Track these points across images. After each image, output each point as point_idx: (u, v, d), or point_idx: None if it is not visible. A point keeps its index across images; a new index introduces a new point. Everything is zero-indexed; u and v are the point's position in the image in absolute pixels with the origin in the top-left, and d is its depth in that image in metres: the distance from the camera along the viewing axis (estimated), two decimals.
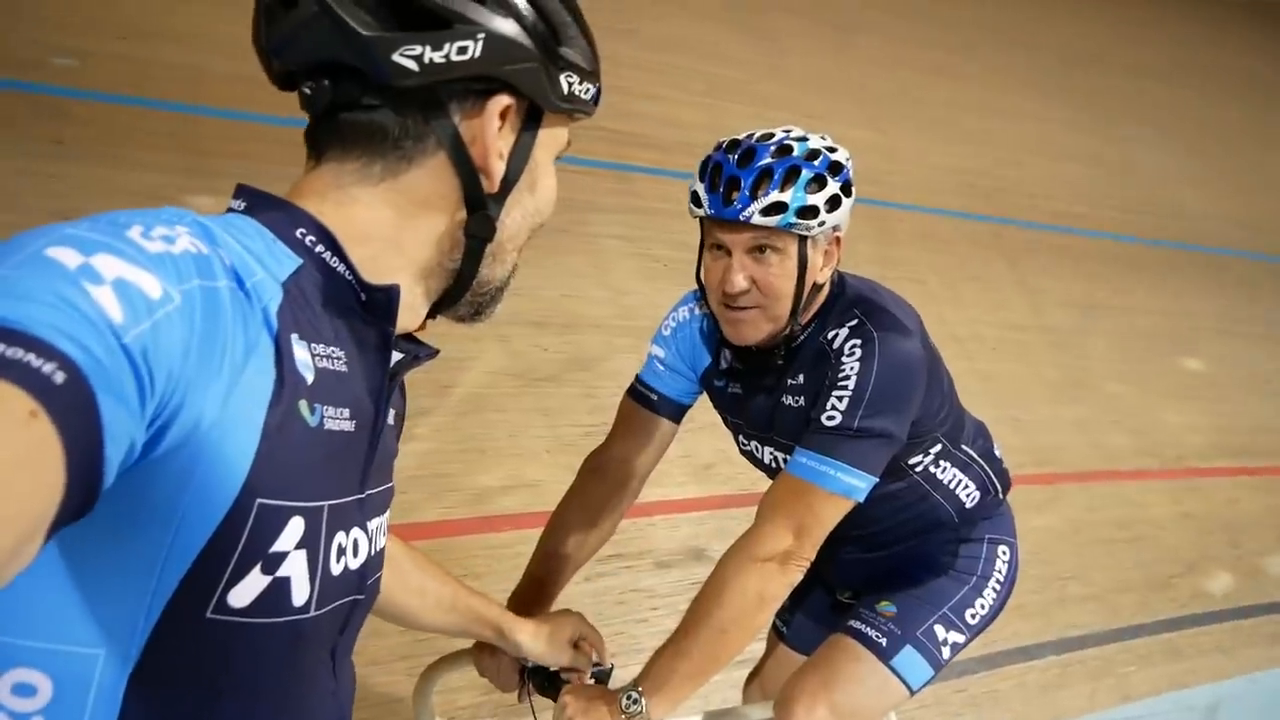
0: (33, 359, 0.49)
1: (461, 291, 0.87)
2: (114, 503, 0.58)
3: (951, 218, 5.69)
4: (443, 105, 0.79)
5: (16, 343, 0.49)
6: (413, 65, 0.75)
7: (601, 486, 1.84)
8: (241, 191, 0.80)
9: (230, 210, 0.79)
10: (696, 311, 1.82)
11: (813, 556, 1.52)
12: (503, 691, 1.67)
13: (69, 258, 0.56)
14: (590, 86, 0.88)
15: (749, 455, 1.88)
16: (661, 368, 1.84)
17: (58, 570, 0.62)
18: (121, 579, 0.64)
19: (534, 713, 1.59)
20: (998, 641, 3.79)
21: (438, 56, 0.75)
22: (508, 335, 3.67)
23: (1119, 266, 6.29)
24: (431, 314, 0.90)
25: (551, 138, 0.88)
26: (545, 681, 1.60)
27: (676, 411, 1.86)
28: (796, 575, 1.50)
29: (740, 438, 1.88)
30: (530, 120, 0.85)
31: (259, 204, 0.79)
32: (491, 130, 0.81)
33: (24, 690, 0.64)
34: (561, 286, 3.97)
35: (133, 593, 0.65)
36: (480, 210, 0.83)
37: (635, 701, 1.45)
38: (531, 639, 1.50)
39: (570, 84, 0.84)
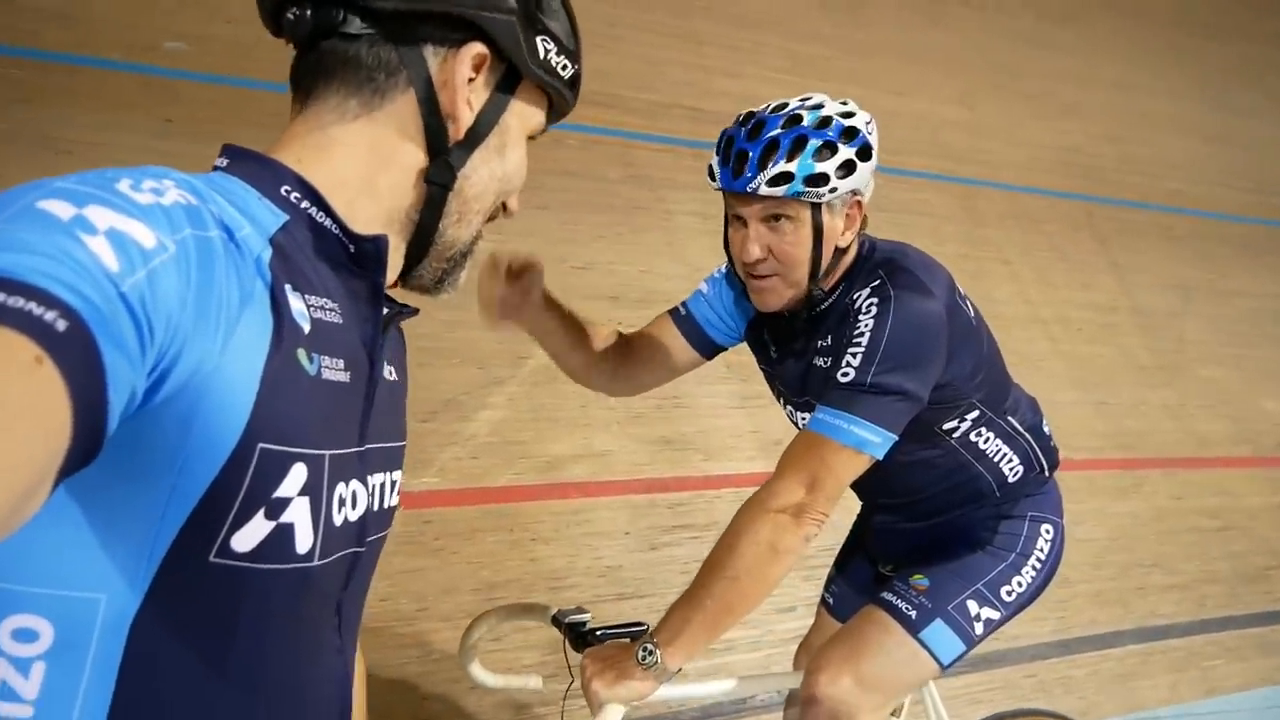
0: (34, 307, 0.49)
1: (424, 246, 0.88)
2: (115, 449, 0.58)
3: (1043, 196, 5.52)
4: (418, 43, 0.81)
5: (16, 292, 0.49)
6: None
7: (612, 342, 1.91)
8: (226, 150, 0.81)
9: (215, 169, 0.79)
10: None
11: (829, 511, 1.53)
12: None
13: (61, 210, 0.56)
14: (568, 64, 0.88)
15: (789, 417, 1.92)
16: (702, 299, 1.91)
17: (58, 516, 0.62)
18: (123, 524, 0.64)
19: (569, 667, 1.67)
20: (1074, 628, 3.73)
21: None
22: (583, 309, 3.75)
23: (1222, 247, 6.00)
24: (400, 278, 0.91)
25: (526, 109, 0.88)
26: (579, 638, 1.66)
27: (697, 337, 1.91)
28: (812, 529, 1.51)
29: (781, 402, 1.93)
30: (506, 84, 0.86)
31: (243, 162, 0.79)
32: (462, 76, 0.82)
33: (25, 635, 0.63)
34: (638, 262, 4.03)
35: (135, 537, 0.65)
36: (442, 157, 0.84)
37: (650, 653, 1.48)
38: None
39: (547, 51, 0.85)
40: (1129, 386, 4.88)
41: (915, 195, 5.02)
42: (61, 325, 0.50)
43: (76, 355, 0.50)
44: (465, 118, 0.83)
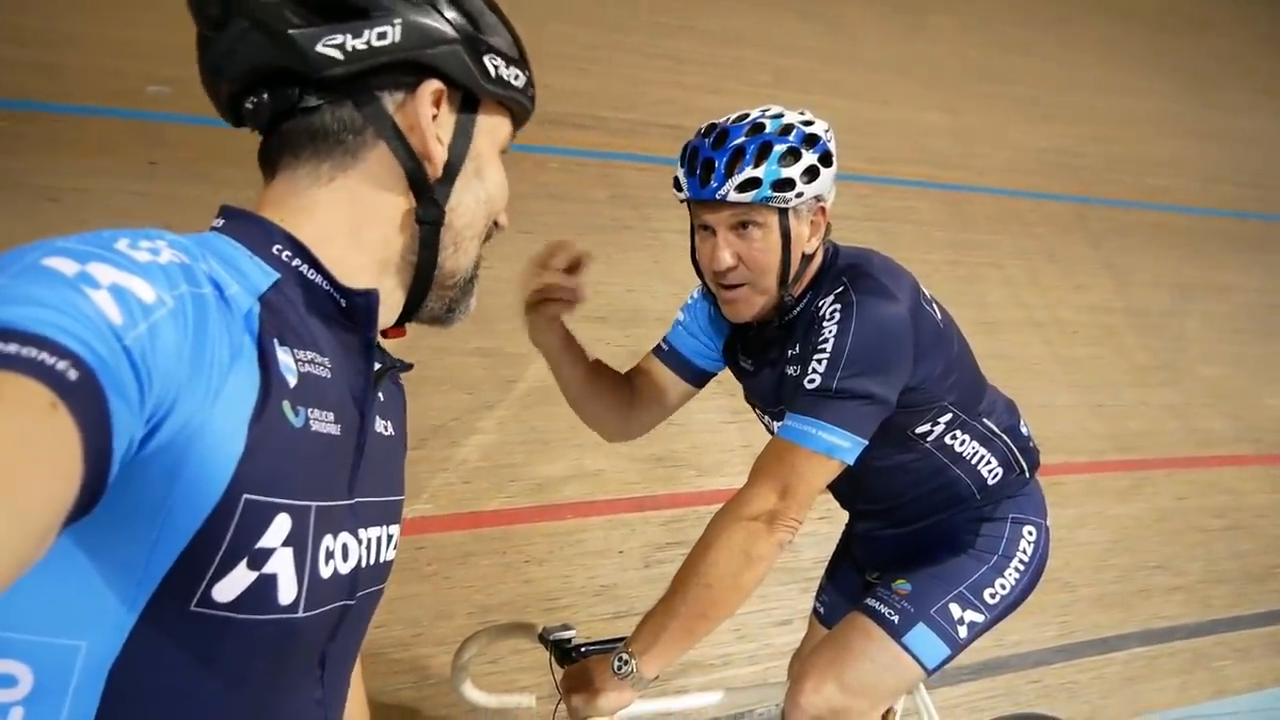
0: (46, 357, 0.51)
1: (426, 284, 0.90)
2: (104, 499, 0.59)
3: (1032, 199, 5.51)
4: (375, 96, 0.83)
5: (29, 343, 0.51)
6: (337, 54, 0.79)
7: (616, 382, 1.92)
8: (223, 211, 0.83)
9: (212, 229, 0.82)
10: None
11: (801, 518, 1.53)
12: None
13: (65, 266, 0.58)
14: (519, 73, 0.91)
15: (767, 429, 1.92)
16: (681, 328, 1.93)
17: (44, 563, 0.60)
18: (107, 573, 0.65)
19: (555, 681, 1.68)
20: (1076, 632, 3.70)
21: (359, 43, 0.80)
22: (572, 330, 3.77)
23: (1217, 243, 5.97)
24: (406, 317, 0.93)
25: (491, 127, 0.91)
26: (564, 654, 1.69)
27: (686, 368, 1.92)
28: (785, 535, 1.52)
29: (756, 412, 1.94)
30: (466, 109, 0.88)
31: (237, 222, 0.82)
32: (426, 115, 0.84)
33: (4, 681, 0.64)
34: (625, 282, 4.05)
35: (117, 586, 0.65)
36: (428, 195, 0.86)
37: (626, 663, 1.50)
38: None
39: (496, 67, 0.88)
40: (1128, 387, 4.86)
41: (902, 203, 5.03)
42: (73, 374, 0.52)
43: (87, 403, 0.53)
44: (439, 154, 0.85)
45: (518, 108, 0.94)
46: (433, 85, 0.84)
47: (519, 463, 3.30)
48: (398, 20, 0.81)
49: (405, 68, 0.83)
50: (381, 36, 0.80)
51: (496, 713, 2.16)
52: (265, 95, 0.82)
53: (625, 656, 1.51)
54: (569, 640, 1.72)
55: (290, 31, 0.79)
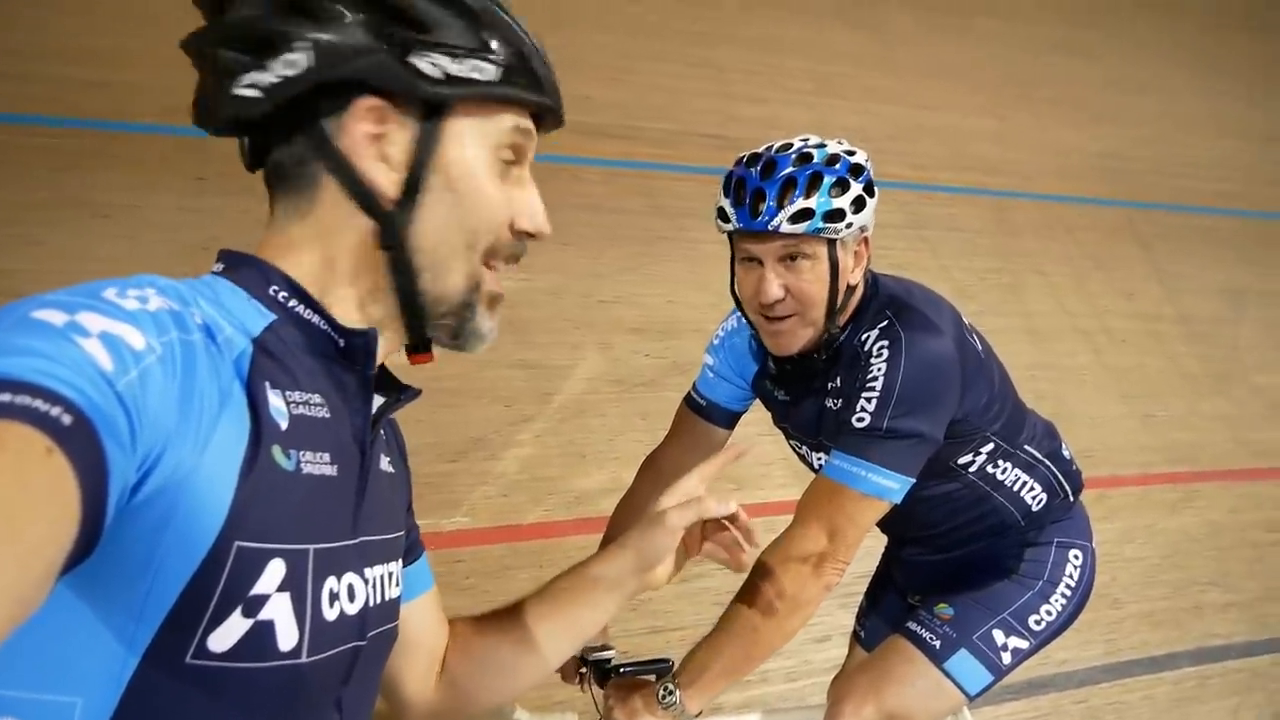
0: (40, 404, 0.52)
1: (414, 309, 0.84)
2: (99, 545, 0.59)
3: (1078, 204, 5.41)
4: (319, 125, 0.79)
5: (24, 391, 0.52)
6: (255, 94, 0.76)
7: (653, 487, 1.92)
8: (222, 255, 0.82)
9: (212, 273, 0.81)
10: (742, 321, 1.86)
11: (849, 559, 1.52)
12: (563, 680, 1.77)
13: (55, 317, 0.59)
14: (483, 64, 0.80)
15: (803, 459, 1.91)
16: (712, 375, 1.92)
17: (36, 617, 0.58)
18: (99, 627, 0.64)
19: (595, 703, 1.68)
20: (1124, 651, 3.62)
21: (271, 78, 0.76)
22: (609, 342, 3.78)
23: (1271, 247, 5.80)
24: (424, 344, 0.88)
25: (469, 131, 0.82)
26: (603, 674, 1.68)
27: (725, 417, 1.93)
28: (833, 578, 1.51)
29: (792, 442, 1.91)
30: (432, 117, 0.80)
31: (236, 265, 0.81)
32: (359, 135, 0.79)
33: None
34: (663, 293, 4.04)
35: (111, 639, 0.64)
36: (387, 220, 0.80)
37: (670, 693, 1.50)
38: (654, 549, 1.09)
39: (439, 65, 0.79)
40: (1178, 397, 4.74)
41: (945, 210, 4.96)
42: (67, 420, 0.53)
43: (82, 447, 0.53)
44: (382, 176, 0.80)
45: (517, 100, 0.84)
46: (365, 102, 0.78)
47: (557, 476, 3.31)
48: (305, 44, 0.75)
49: (334, 89, 0.77)
50: (290, 65, 0.75)
51: None
52: (245, 140, 0.83)
53: (671, 688, 1.51)
54: (608, 660, 1.72)
55: (223, 79, 0.77)
